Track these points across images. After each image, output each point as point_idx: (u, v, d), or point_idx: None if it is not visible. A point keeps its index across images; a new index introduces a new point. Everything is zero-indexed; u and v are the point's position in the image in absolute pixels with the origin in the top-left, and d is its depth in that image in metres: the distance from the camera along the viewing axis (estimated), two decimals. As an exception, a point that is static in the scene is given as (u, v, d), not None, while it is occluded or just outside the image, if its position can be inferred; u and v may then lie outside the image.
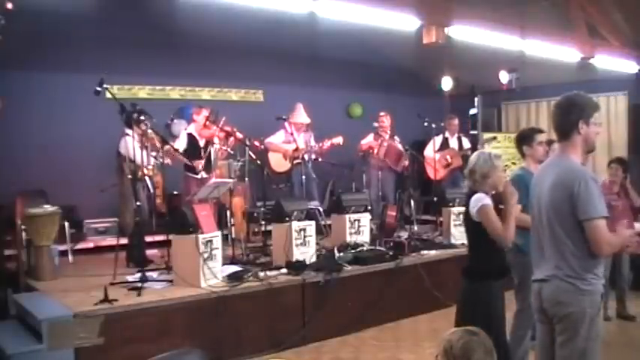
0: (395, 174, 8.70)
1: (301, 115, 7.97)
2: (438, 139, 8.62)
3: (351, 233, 6.52)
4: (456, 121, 8.79)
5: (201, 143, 7.07)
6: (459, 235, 7.02)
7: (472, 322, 3.31)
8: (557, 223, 2.75)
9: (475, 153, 3.67)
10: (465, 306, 3.48)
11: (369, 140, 8.49)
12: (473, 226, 3.49)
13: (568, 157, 2.81)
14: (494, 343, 3.23)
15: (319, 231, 7.01)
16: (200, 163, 6.94)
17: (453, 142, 8.76)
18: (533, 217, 2.96)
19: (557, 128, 2.87)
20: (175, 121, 8.15)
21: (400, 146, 8.42)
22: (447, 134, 8.75)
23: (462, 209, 7.33)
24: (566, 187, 2.71)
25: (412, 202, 8.62)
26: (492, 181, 3.48)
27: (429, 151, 8.52)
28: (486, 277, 3.45)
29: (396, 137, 8.47)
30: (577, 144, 2.81)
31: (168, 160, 6.64)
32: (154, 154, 6.36)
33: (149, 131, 6.07)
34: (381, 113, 8.53)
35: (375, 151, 8.40)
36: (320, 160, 8.09)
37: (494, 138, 9.15)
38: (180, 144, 6.98)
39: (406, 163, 8.41)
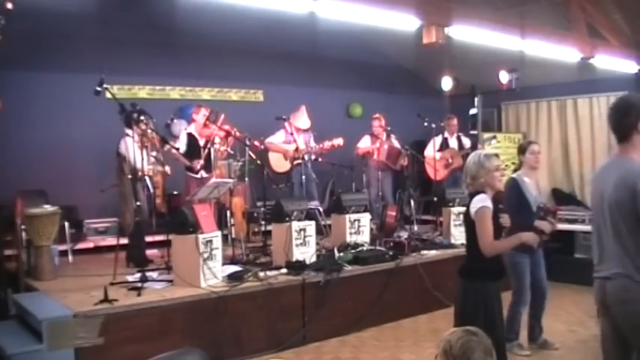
0: (394, 173, 8.70)
1: (302, 120, 7.96)
2: (437, 139, 8.62)
3: (351, 233, 6.52)
4: (455, 121, 8.79)
5: (201, 143, 7.07)
6: (459, 235, 7.02)
7: (468, 322, 3.30)
8: (621, 221, 2.80)
9: (472, 153, 3.64)
10: (461, 306, 3.45)
11: (366, 144, 8.47)
12: (471, 226, 3.45)
13: (630, 158, 2.86)
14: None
15: (319, 231, 7.01)
16: (199, 162, 6.94)
17: (453, 142, 8.76)
18: (595, 215, 3.02)
19: (615, 130, 2.92)
20: (175, 121, 8.16)
21: (397, 144, 8.42)
22: (446, 134, 8.76)
23: (462, 209, 7.34)
24: (628, 186, 2.76)
25: (412, 202, 8.62)
26: (485, 182, 3.44)
27: (429, 151, 8.53)
28: (482, 277, 3.41)
29: (392, 135, 8.46)
30: (637, 144, 2.85)
31: (167, 169, 6.63)
32: (154, 153, 6.37)
33: (149, 131, 6.07)
34: (375, 115, 8.53)
35: (375, 154, 8.39)
36: (320, 160, 8.10)
37: (494, 137, 9.15)
38: (181, 144, 6.99)
39: (404, 162, 8.41)
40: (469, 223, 3.48)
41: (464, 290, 3.46)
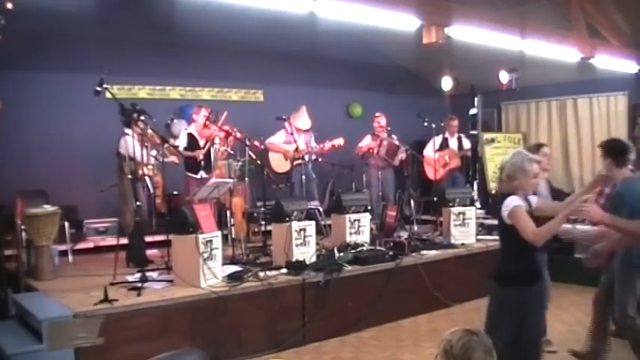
0: (395, 173, 8.71)
1: (302, 120, 7.97)
2: (437, 139, 8.64)
3: (351, 233, 6.51)
4: (456, 122, 8.80)
5: (201, 143, 7.07)
6: (459, 235, 7.03)
7: (498, 326, 3.31)
8: None
9: (513, 151, 3.55)
10: (492, 310, 3.42)
11: (367, 142, 8.50)
12: (504, 229, 3.40)
13: None
14: (522, 349, 3.21)
15: (319, 231, 7.01)
16: (201, 153, 6.95)
17: (453, 143, 8.78)
18: None
19: None
20: (175, 121, 8.15)
21: (397, 141, 8.43)
22: (446, 134, 8.77)
23: (462, 209, 7.37)
24: None
25: (412, 202, 8.63)
26: (519, 185, 3.36)
27: (429, 151, 8.54)
28: (515, 281, 3.35)
29: (392, 135, 8.48)
30: None
31: (173, 158, 6.63)
32: (154, 152, 6.37)
33: (149, 131, 6.07)
34: (377, 114, 8.56)
35: (376, 151, 8.42)
36: (320, 160, 8.10)
37: (492, 140, 9.16)
38: (181, 144, 7.00)
39: (403, 156, 8.42)
40: (502, 227, 3.42)
41: (496, 294, 3.42)
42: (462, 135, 8.86)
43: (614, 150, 4.24)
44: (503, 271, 3.47)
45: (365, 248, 6.21)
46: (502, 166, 3.48)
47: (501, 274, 3.46)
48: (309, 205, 6.77)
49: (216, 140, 7.07)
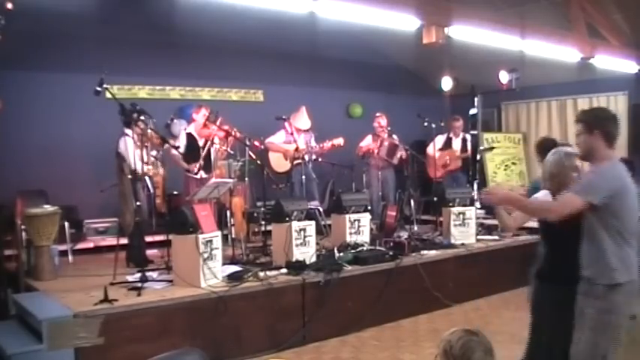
0: (395, 173, 8.71)
1: (301, 120, 7.97)
2: (441, 138, 8.63)
3: (351, 233, 6.51)
4: (460, 122, 8.78)
5: (200, 143, 7.07)
6: (459, 235, 7.03)
7: (542, 324, 3.31)
8: None
9: (552, 151, 3.50)
10: (536, 307, 3.43)
11: (367, 142, 8.51)
12: (543, 226, 3.40)
13: None
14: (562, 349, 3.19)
15: (319, 231, 7.01)
16: (195, 167, 6.94)
17: (457, 143, 8.76)
18: None
19: None
20: (175, 121, 8.13)
21: (397, 140, 8.43)
22: (450, 134, 8.76)
23: (462, 209, 7.37)
24: None
25: (412, 202, 8.63)
26: (563, 182, 3.34)
27: (431, 149, 8.55)
28: (535, 277, 3.38)
29: (394, 135, 8.48)
30: None
31: (161, 171, 6.62)
32: (153, 153, 6.36)
33: (148, 131, 6.06)
34: (377, 114, 8.56)
35: (376, 152, 8.42)
36: (320, 160, 8.10)
37: (492, 149, 9.13)
38: (180, 144, 6.98)
39: (402, 154, 8.42)
40: (541, 224, 3.42)
41: (538, 291, 3.45)
42: (467, 136, 8.81)
43: (545, 148, 4.38)
44: (546, 269, 3.42)
45: (365, 248, 6.20)
46: (544, 166, 3.48)
47: (544, 273, 3.42)
48: (309, 205, 6.77)
49: (216, 140, 7.07)
